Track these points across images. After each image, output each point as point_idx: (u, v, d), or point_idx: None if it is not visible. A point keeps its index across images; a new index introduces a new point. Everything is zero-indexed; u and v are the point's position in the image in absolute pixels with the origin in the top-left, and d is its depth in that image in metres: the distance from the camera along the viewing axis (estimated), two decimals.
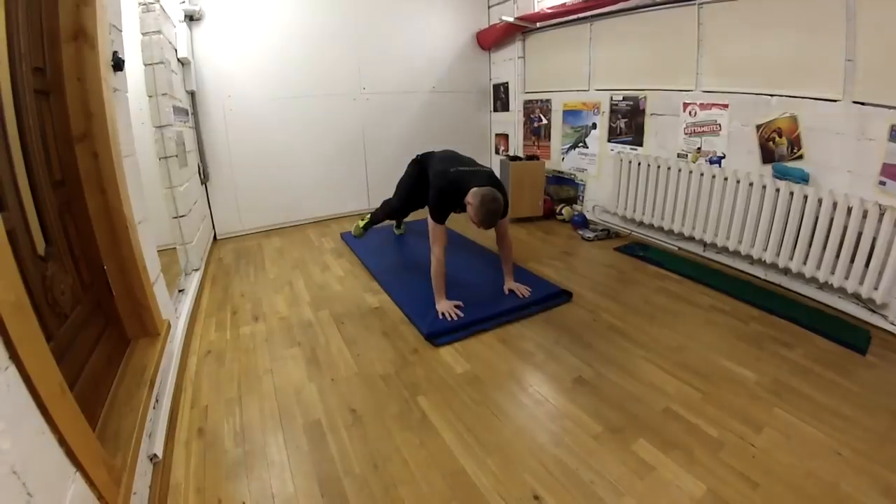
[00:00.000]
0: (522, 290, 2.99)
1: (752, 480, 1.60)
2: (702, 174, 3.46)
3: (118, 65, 1.94)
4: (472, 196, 2.67)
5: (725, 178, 3.28)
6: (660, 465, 1.69)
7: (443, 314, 2.73)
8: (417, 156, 3.45)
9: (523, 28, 5.10)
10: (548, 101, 5.11)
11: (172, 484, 1.66)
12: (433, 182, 2.91)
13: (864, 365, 2.30)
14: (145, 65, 2.99)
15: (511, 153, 5.65)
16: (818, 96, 2.79)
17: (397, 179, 3.64)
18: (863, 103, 2.59)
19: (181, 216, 3.23)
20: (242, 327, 2.80)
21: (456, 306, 2.77)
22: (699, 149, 3.59)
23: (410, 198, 3.58)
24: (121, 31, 2.09)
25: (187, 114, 3.98)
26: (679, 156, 3.75)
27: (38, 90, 1.45)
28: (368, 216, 4.10)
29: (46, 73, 1.54)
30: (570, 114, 4.84)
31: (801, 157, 2.94)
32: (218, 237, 4.63)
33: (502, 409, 2.03)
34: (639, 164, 3.98)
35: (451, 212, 2.86)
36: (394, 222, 4.37)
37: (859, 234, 2.60)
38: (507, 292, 3.02)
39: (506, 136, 5.90)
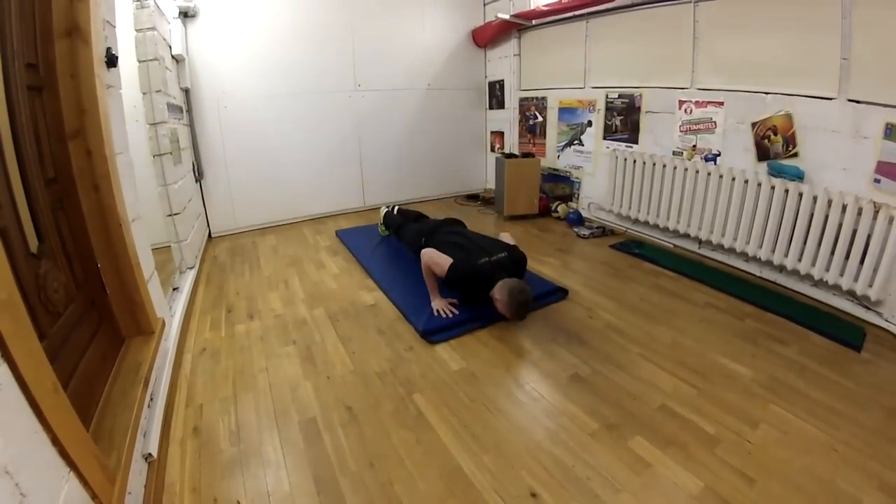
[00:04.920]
0: None
1: (749, 476, 1.61)
2: (697, 172, 3.46)
3: (112, 61, 1.93)
4: (500, 292, 2.60)
5: (721, 176, 3.29)
6: (656, 461, 1.69)
7: (437, 311, 2.72)
8: (421, 237, 3.31)
9: (519, 25, 5.10)
10: (543, 98, 5.11)
11: (167, 483, 1.65)
12: (457, 265, 2.73)
13: (859, 362, 2.31)
14: (139, 61, 2.97)
15: (506, 151, 5.65)
16: (813, 94, 2.80)
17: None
18: (858, 101, 2.60)
19: (175, 214, 3.21)
20: (237, 325, 2.79)
21: (450, 303, 2.76)
22: (695, 146, 3.60)
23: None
24: (115, 27, 2.07)
25: (181, 111, 3.96)
26: (674, 153, 3.76)
27: (31, 86, 1.44)
28: (384, 224, 4.17)
29: (39, 69, 1.52)
30: (565, 111, 4.84)
31: (796, 154, 2.94)
32: (213, 235, 4.61)
33: (498, 406, 2.03)
34: (634, 161, 3.98)
35: (460, 289, 2.82)
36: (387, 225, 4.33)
37: (854, 232, 2.60)
38: None
39: (501, 134, 5.89)
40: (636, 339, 2.52)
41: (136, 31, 2.96)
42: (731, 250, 3.35)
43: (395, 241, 4.13)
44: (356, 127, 5.14)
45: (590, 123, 4.57)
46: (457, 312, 2.71)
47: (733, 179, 3.20)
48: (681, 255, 3.73)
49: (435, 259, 2.80)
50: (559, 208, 4.87)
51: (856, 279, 2.64)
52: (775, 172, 3.03)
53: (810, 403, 1.98)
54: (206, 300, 3.15)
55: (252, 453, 1.79)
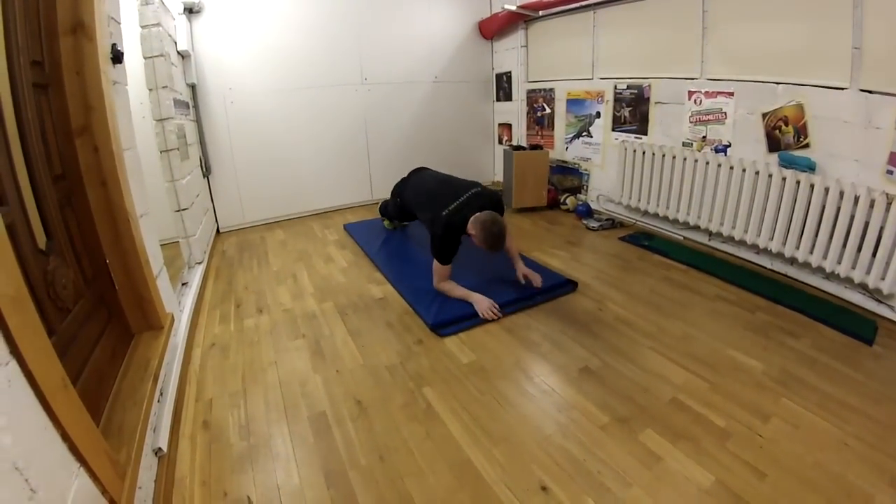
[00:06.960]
0: (536, 278, 2.96)
1: (760, 471, 1.59)
2: (707, 163, 3.43)
3: (117, 57, 1.92)
4: (473, 226, 2.68)
5: (731, 167, 3.25)
6: (667, 455, 1.68)
7: (483, 313, 2.66)
8: (394, 187, 3.65)
9: (526, 16, 5.05)
10: (551, 90, 5.07)
11: (177, 477, 1.66)
12: (433, 230, 2.87)
13: (871, 355, 2.28)
14: (145, 58, 2.97)
15: (514, 143, 5.62)
16: (825, 84, 2.75)
17: (400, 170, 3.65)
18: (870, 91, 2.55)
19: (183, 209, 3.22)
20: (246, 320, 2.80)
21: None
22: (704, 137, 3.56)
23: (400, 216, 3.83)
24: (120, 23, 2.07)
25: (188, 107, 3.97)
26: (684, 144, 3.72)
27: (37, 84, 1.44)
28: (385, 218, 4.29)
29: (45, 66, 1.52)
30: (573, 103, 4.80)
31: (807, 145, 2.90)
32: (221, 230, 4.63)
33: (508, 399, 2.02)
34: (643, 152, 3.95)
35: (455, 250, 2.84)
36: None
37: (866, 224, 2.57)
38: (521, 279, 2.98)
39: (509, 126, 5.86)
40: (646, 332, 2.51)
41: (142, 27, 2.96)
42: (742, 242, 3.32)
43: (403, 235, 4.14)
44: (363, 120, 5.13)
45: (598, 115, 4.53)
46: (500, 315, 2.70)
47: (744, 171, 3.17)
48: (691, 248, 3.70)
49: (435, 271, 2.87)
50: (568, 200, 4.85)
51: (868, 272, 2.60)
52: (786, 163, 2.99)
53: (822, 397, 1.96)
54: (214, 295, 3.16)
55: (262, 447, 1.79)
